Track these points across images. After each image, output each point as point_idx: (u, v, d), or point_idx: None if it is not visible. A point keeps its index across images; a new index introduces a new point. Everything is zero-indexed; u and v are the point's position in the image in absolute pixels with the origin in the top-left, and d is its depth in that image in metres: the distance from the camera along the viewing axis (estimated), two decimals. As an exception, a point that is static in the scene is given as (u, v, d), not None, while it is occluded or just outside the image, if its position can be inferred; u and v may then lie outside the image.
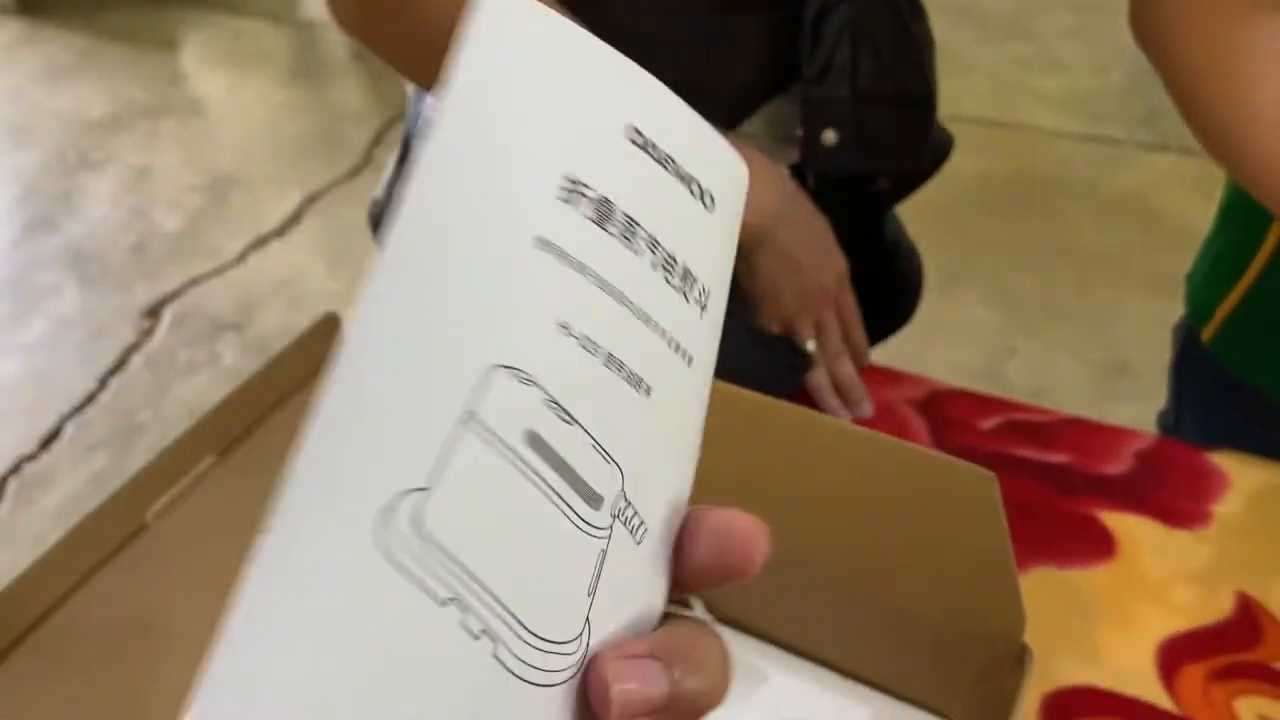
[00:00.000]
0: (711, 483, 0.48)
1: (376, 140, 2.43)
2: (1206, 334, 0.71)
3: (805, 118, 0.64)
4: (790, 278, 0.66)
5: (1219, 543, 0.64)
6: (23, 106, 2.57)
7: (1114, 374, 1.76)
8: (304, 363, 0.51)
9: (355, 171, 2.34)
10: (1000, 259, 2.03)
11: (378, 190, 0.78)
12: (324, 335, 0.52)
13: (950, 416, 0.73)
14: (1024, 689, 0.45)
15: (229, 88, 2.68)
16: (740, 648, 0.52)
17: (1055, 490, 0.67)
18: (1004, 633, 0.45)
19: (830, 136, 0.65)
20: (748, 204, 0.73)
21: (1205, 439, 0.74)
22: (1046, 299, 1.95)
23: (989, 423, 0.73)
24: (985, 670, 0.47)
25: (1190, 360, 0.74)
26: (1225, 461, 0.68)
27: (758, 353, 0.59)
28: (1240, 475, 0.67)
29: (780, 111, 0.67)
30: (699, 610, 0.53)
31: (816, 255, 0.67)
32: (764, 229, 0.63)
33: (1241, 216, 0.68)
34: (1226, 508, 0.66)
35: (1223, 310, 0.69)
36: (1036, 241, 2.06)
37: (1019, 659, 0.46)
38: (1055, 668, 0.58)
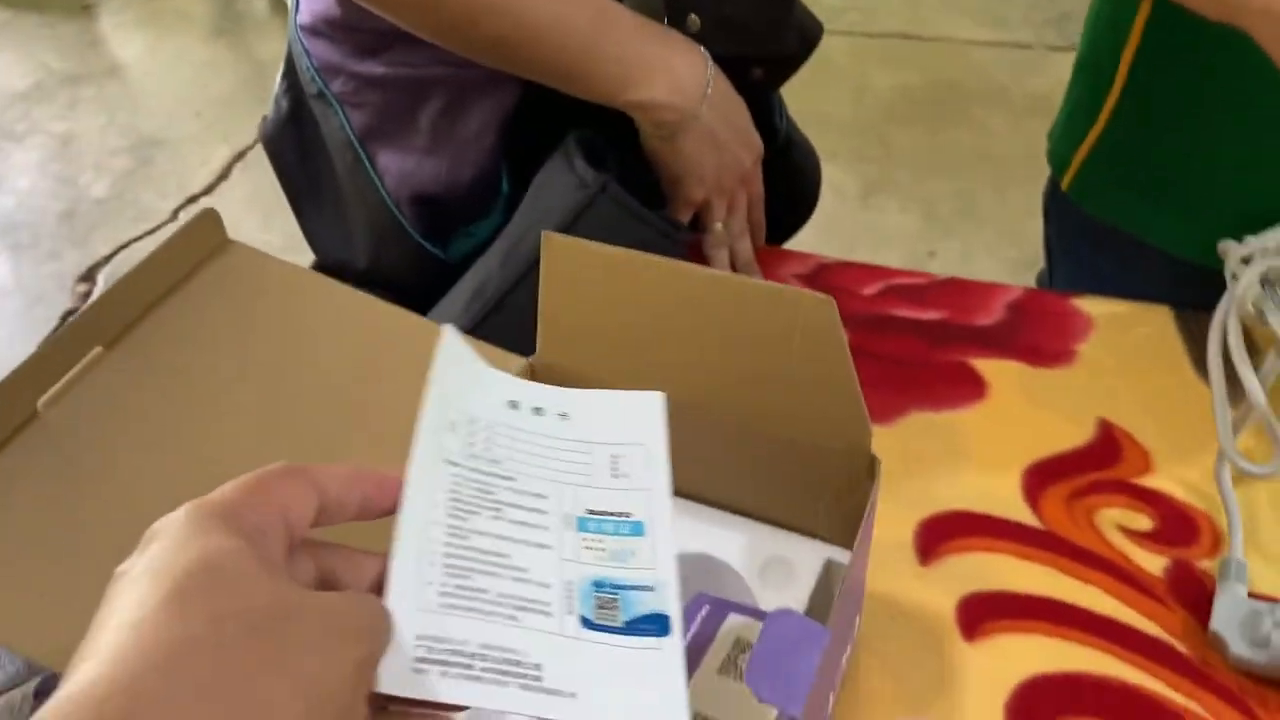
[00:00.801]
0: (579, 338, 0.51)
1: (301, 93, 2.42)
2: (1066, 182, 0.75)
3: (668, 4, 0.67)
4: (712, 156, 0.69)
5: (1082, 377, 0.68)
6: (-62, 82, 2.53)
7: (1029, 269, 1.81)
8: (186, 257, 0.54)
9: (282, 125, 2.33)
10: (919, 168, 2.07)
11: (269, 109, 0.80)
12: (204, 231, 0.54)
13: (834, 285, 0.77)
14: (873, 496, 0.49)
15: (148, 49, 2.65)
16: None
17: (931, 344, 0.71)
18: (855, 447, 0.49)
19: (694, 21, 0.67)
20: (674, 87, 0.77)
21: (1074, 287, 0.78)
22: (964, 204, 1.99)
23: (871, 289, 0.76)
24: (843, 487, 0.51)
25: (1055, 212, 0.78)
26: (1089, 304, 0.72)
27: (633, 226, 0.62)
28: (1103, 315, 0.72)
29: (647, 2, 0.70)
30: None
31: (737, 134, 0.70)
32: (689, 111, 0.66)
33: (1092, 66, 0.72)
34: (1089, 346, 0.70)
35: (1079, 156, 0.73)
36: (954, 149, 2.10)
37: (870, 471, 0.49)
38: (930, 497, 0.63)
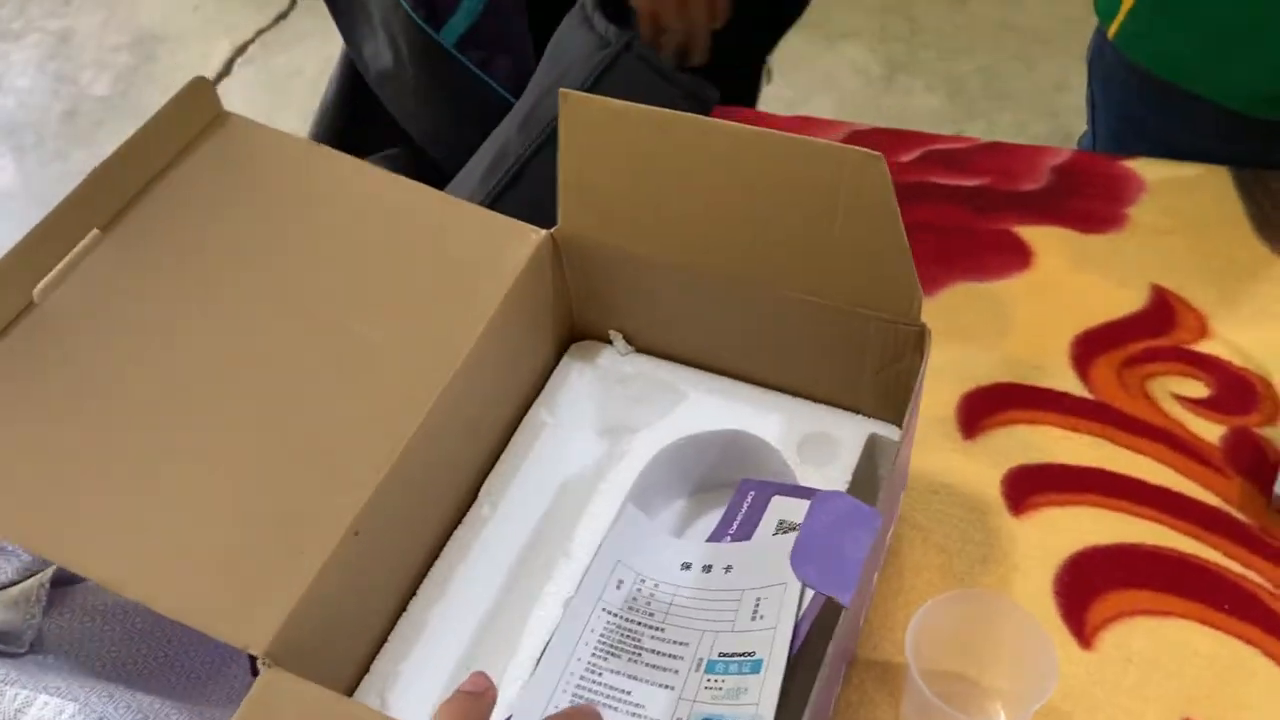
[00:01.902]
0: (604, 206, 0.48)
1: (302, -18, 2.34)
2: (1113, 30, 0.70)
3: None
4: None
5: (1133, 242, 0.65)
6: (-71, -18, 2.45)
7: (1061, 144, 1.75)
8: (181, 130, 0.50)
9: (282, 16, 2.25)
10: (945, 45, 1.98)
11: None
12: (198, 102, 0.50)
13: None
14: (923, 369, 0.46)
15: (142, -59, 2.56)
16: (659, 371, 0.53)
17: (973, 212, 0.68)
18: (903, 315, 0.46)
19: None
20: None
21: (1121, 147, 0.74)
22: (990, 80, 1.92)
23: (909, 156, 0.72)
24: (888, 358, 0.48)
25: (1099, 66, 0.73)
26: (1140, 166, 0.68)
27: (660, 87, 0.58)
28: (1155, 176, 0.68)
29: None
30: (619, 343, 0.54)
31: None
32: None
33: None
34: (1141, 210, 0.66)
35: (1126, 2, 0.68)
36: (982, 24, 2.02)
37: (919, 341, 0.47)
38: (974, 371, 0.60)
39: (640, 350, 0.54)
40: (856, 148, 0.42)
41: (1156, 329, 0.60)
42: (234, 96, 2.09)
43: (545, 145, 0.57)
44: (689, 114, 0.45)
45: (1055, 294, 0.63)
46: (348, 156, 0.52)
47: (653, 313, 0.52)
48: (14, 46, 2.28)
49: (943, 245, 0.66)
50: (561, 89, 0.46)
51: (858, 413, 0.50)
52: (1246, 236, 0.64)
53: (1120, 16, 0.70)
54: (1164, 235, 0.64)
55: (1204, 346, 0.59)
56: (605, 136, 0.47)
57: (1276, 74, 0.63)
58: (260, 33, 2.24)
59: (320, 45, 2.22)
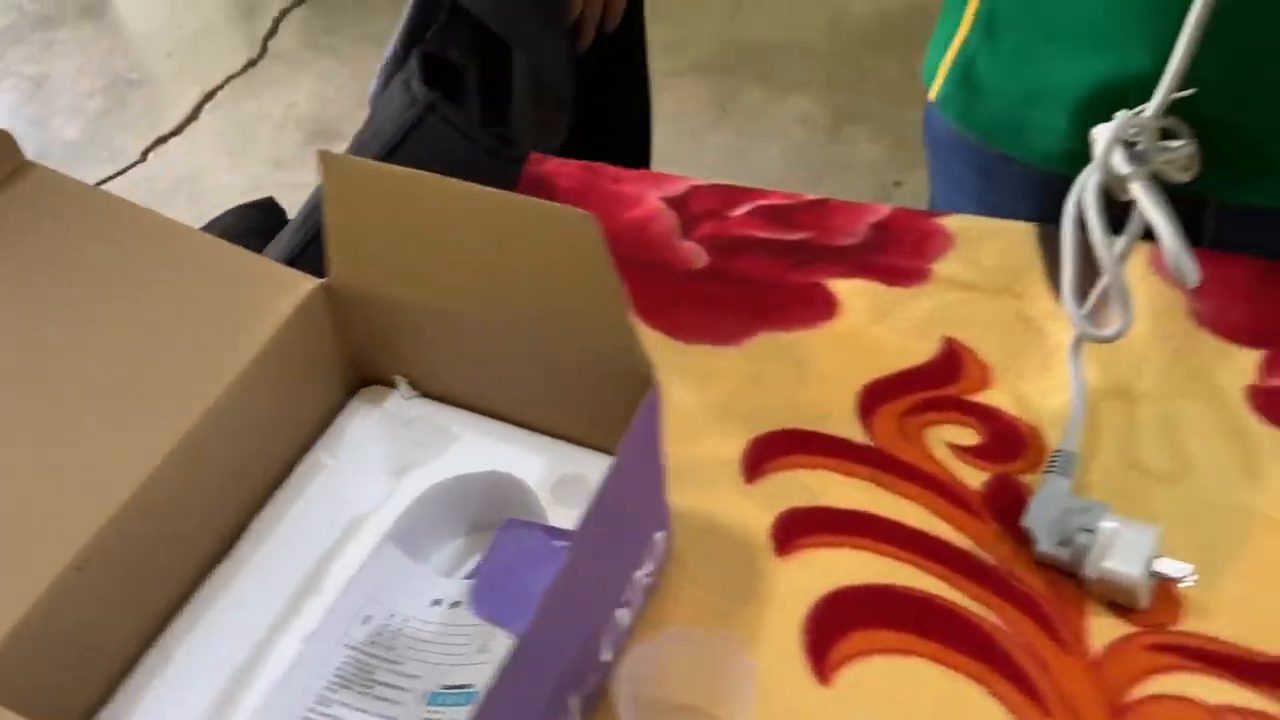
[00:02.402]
0: (368, 258, 0.51)
1: (273, 32, 2.40)
2: (933, 94, 0.73)
3: None
4: None
5: (934, 297, 0.67)
6: (-84, 27, 2.53)
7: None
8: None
9: (252, 64, 2.32)
10: (891, 95, 2.03)
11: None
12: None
13: (703, 209, 0.76)
14: (644, 412, 0.48)
15: (123, -10, 2.64)
16: (439, 415, 0.56)
17: (790, 265, 0.71)
18: (629, 364, 0.48)
19: None
20: None
21: (948, 205, 0.76)
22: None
23: (741, 210, 0.75)
24: (629, 404, 0.51)
25: (929, 127, 0.77)
26: (950, 222, 0.71)
27: (463, 144, 0.62)
28: (963, 232, 0.70)
29: None
30: (403, 388, 0.57)
31: None
32: None
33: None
34: (945, 263, 0.69)
35: (944, 65, 0.72)
36: (930, 73, 2.06)
37: (645, 385, 0.49)
38: (766, 417, 0.62)
39: (425, 394, 0.57)
40: (569, 208, 0.45)
41: (942, 379, 0.63)
42: (201, 141, 2.15)
43: None
44: (435, 176, 0.48)
45: (853, 345, 0.65)
46: (140, 207, 0.55)
47: (434, 358, 0.55)
48: (-10, 91, 2.35)
49: (754, 297, 0.69)
50: (318, 149, 0.49)
51: (610, 454, 0.53)
52: (1040, 291, 0.66)
53: (938, 81, 0.73)
54: (963, 289, 0.67)
55: (983, 396, 0.62)
56: (364, 193, 0.50)
57: (1074, 134, 0.66)
58: (230, 79, 2.30)
59: (287, 91, 2.28)
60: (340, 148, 0.62)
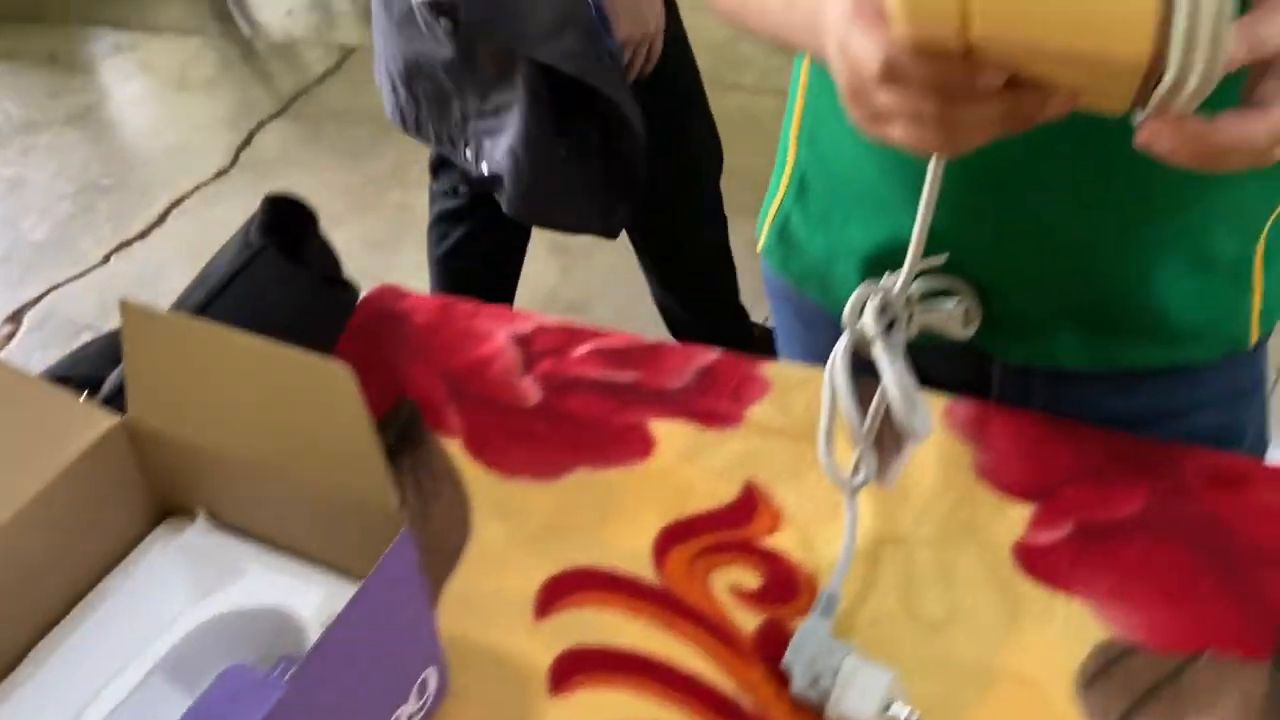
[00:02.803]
0: (163, 400, 0.54)
1: (246, 142, 2.49)
2: (760, 244, 0.78)
3: None
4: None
5: (743, 440, 0.71)
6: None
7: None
8: None
9: (221, 173, 2.40)
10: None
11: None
12: None
13: (546, 347, 0.80)
14: (392, 553, 0.51)
15: (106, 100, 2.74)
16: (232, 548, 0.59)
17: (617, 405, 0.74)
18: (381, 506, 0.52)
19: None
20: None
21: (780, 349, 0.80)
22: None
23: (581, 350, 0.79)
24: (384, 543, 0.54)
25: (764, 276, 0.81)
26: (770, 368, 0.75)
27: (288, 285, 0.66)
28: (779, 379, 0.74)
29: None
30: (202, 520, 0.60)
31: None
32: None
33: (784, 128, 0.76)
34: (759, 409, 0.73)
35: (768, 220, 0.77)
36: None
37: (395, 529, 0.52)
38: (567, 554, 0.65)
39: (224, 526, 0.60)
40: (329, 361, 0.49)
41: (736, 522, 0.66)
42: (163, 246, 2.22)
43: None
44: (220, 327, 0.52)
45: (662, 485, 0.69)
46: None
47: (228, 493, 0.58)
48: (-34, 193, 2.42)
49: (578, 435, 0.72)
50: (121, 299, 0.54)
51: (387, 592, 0.56)
52: (841, 439, 0.70)
53: (764, 233, 0.78)
54: (770, 435, 0.71)
55: (772, 540, 0.65)
56: (160, 339, 0.54)
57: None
58: (199, 187, 2.38)
59: (252, 200, 2.35)
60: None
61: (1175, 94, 0.39)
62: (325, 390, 0.50)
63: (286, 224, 0.70)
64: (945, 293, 0.66)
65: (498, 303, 0.83)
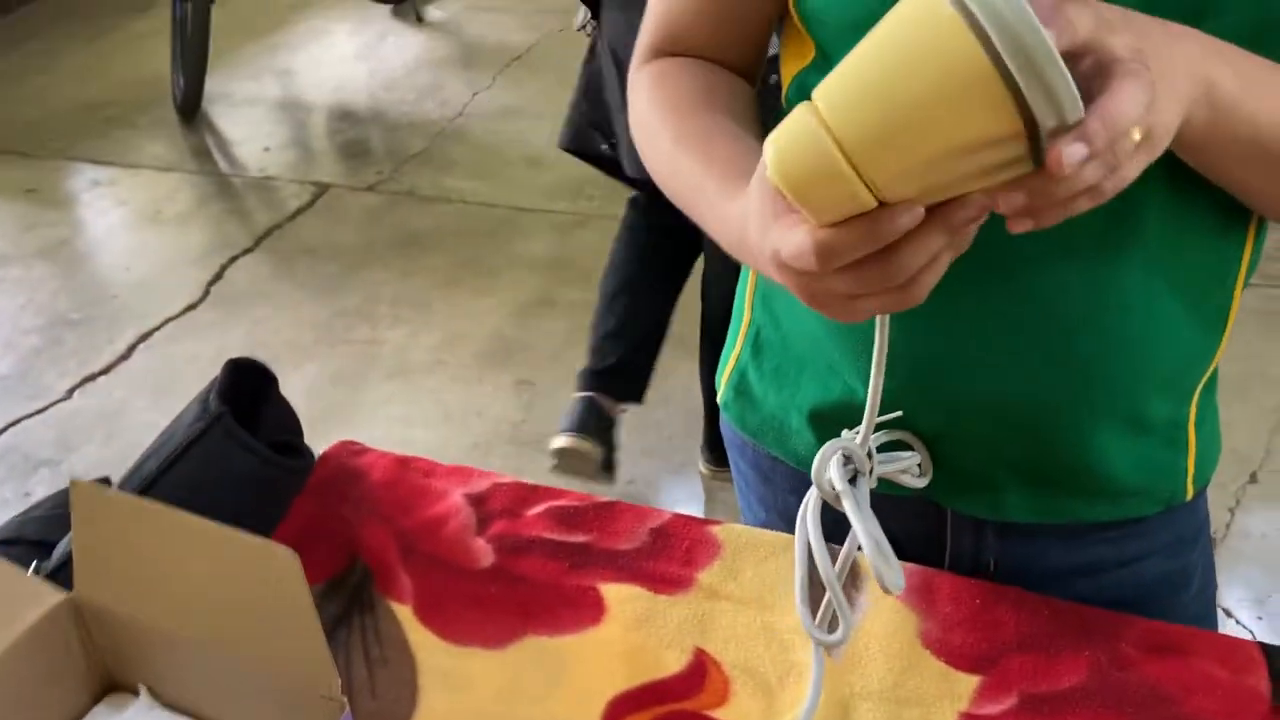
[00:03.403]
0: (111, 577, 0.55)
1: (218, 277, 2.52)
2: (719, 397, 0.80)
3: None
4: None
5: (693, 605, 0.71)
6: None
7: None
8: None
9: (191, 307, 2.42)
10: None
11: None
12: None
13: (500, 507, 0.80)
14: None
15: (79, 234, 2.78)
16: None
17: (569, 568, 0.75)
18: (325, 688, 0.52)
19: None
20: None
21: (741, 496, 0.82)
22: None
23: (535, 510, 0.80)
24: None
25: (723, 426, 0.83)
26: (723, 531, 0.76)
27: (241, 455, 0.67)
28: (731, 542, 0.75)
29: None
30: (144, 697, 0.59)
31: None
32: None
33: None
34: (710, 573, 0.73)
35: (726, 374, 0.79)
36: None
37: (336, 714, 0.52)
38: (515, 726, 0.65)
39: (166, 704, 0.59)
40: (275, 544, 0.50)
41: (685, 692, 0.66)
42: (128, 380, 2.22)
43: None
44: (168, 509, 0.53)
45: (611, 652, 0.69)
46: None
47: (171, 670, 0.58)
48: (-69, 325, 2.42)
49: (528, 599, 0.72)
50: (72, 478, 0.54)
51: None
52: (789, 604, 0.70)
53: (722, 387, 0.80)
54: (720, 600, 0.71)
55: (721, 711, 0.65)
56: (108, 518, 0.55)
57: (819, 445, 0.72)
58: (168, 321, 2.39)
59: (220, 334, 2.38)
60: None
61: (1058, 116, 0.41)
62: (270, 572, 0.50)
63: (248, 383, 0.72)
64: (902, 444, 0.68)
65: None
